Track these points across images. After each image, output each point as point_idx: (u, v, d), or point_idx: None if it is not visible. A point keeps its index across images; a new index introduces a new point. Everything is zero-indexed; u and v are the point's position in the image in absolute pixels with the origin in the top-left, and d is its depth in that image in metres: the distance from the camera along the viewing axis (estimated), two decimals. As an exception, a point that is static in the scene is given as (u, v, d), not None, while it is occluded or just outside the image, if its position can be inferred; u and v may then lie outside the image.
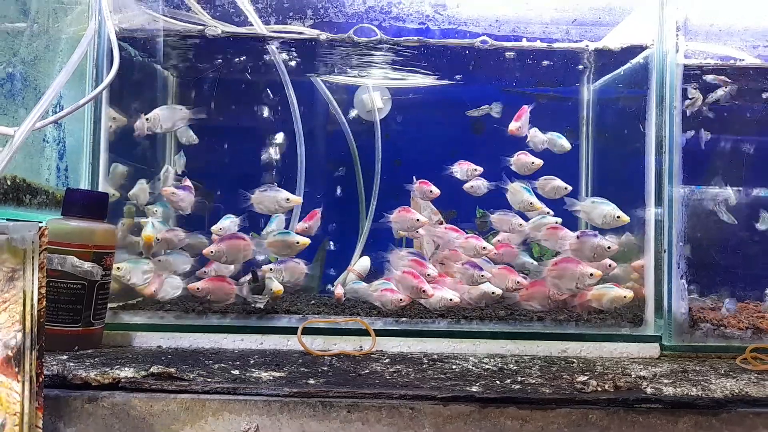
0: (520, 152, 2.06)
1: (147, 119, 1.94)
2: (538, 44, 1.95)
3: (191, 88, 2.32)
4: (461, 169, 2.10)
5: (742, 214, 2.49)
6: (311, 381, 1.35)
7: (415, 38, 2.00)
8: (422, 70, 2.21)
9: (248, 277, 1.94)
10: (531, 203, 1.95)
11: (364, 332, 1.74)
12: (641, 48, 1.97)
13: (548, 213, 1.99)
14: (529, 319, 1.85)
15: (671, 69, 1.86)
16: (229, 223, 1.97)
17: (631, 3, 1.96)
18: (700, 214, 2.46)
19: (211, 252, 1.83)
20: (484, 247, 1.92)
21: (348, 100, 2.43)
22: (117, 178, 1.99)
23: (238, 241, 1.84)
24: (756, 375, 1.59)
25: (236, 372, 1.40)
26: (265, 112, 2.31)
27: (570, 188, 2.01)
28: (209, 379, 1.32)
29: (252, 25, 1.98)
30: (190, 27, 2.02)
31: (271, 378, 1.36)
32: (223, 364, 1.48)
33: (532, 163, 2.03)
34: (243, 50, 2.13)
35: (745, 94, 2.37)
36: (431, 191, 2.05)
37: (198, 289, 1.82)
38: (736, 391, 1.43)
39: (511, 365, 1.62)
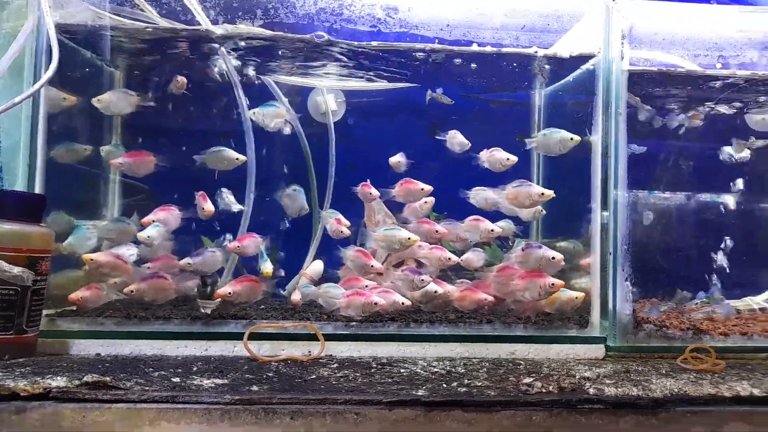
0: (493, 149, 2.06)
1: (98, 100, 1.94)
2: (489, 49, 1.97)
3: (139, 86, 2.25)
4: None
5: (686, 219, 2.57)
6: (254, 388, 1.33)
7: (375, 42, 1.99)
8: (375, 73, 2.20)
9: (197, 281, 1.90)
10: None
11: (313, 337, 1.72)
12: (589, 56, 2.00)
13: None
14: (478, 322, 1.86)
15: (617, 76, 1.90)
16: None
17: (580, 10, 1.99)
18: (645, 218, 2.53)
19: (132, 291, 1.79)
20: (449, 258, 1.93)
21: (302, 101, 2.41)
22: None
23: (161, 281, 1.82)
24: (695, 374, 1.63)
25: (177, 380, 1.36)
26: (214, 113, 2.26)
27: (513, 158, 2.03)
28: (147, 388, 1.27)
29: (200, 24, 1.94)
30: (137, 24, 1.96)
31: (213, 385, 1.33)
32: (163, 372, 1.44)
33: (507, 159, 2.04)
34: (191, 49, 2.08)
35: (689, 101, 2.46)
36: (370, 193, 2.06)
37: (230, 293, 1.82)
38: (676, 390, 1.47)
39: (460, 368, 1.62)
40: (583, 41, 2.05)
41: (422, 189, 2.03)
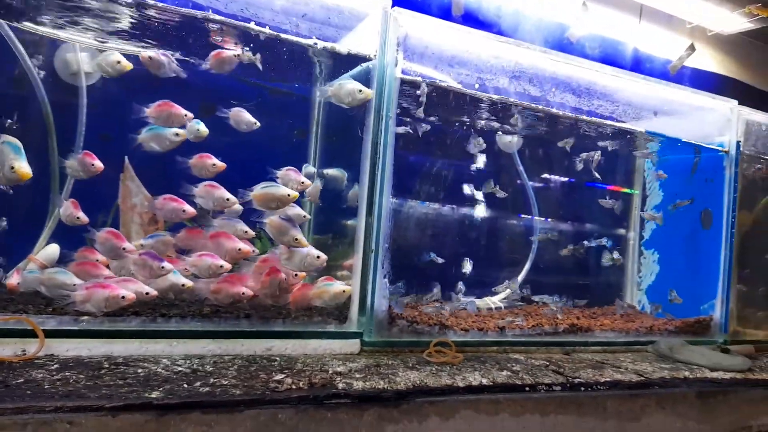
0: (288, 168, 2.00)
1: None
2: (267, 31, 1.87)
3: None
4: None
5: (443, 225, 2.80)
6: (-73, 397, 1.05)
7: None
8: (139, 37, 1.94)
9: None
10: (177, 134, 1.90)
11: (33, 334, 1.44)
12: (367, 57, 2.03)
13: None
14: (235, 317, 1.75)
15: (390, 81, 1.95)
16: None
17: (361, 10, 2.01)
18: (406, 222, 2.70)
19: None
20: (221, 266, 1.79)
21: (48, 56, 2.04)
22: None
23: None
24: (436, 367, 1.75)
25: None
26: None
27: (308, 182, 2.02)
28: None
29: None
30: None
31: None
32: None
33: (302, 182, 2.00)
34: None
35: (449, 117, 2.68)
36: (93, 164, 1.83)
37: None
38: (418, 382, 1.55)
39: (208, 366, 1.50)
40: (362, 42, 2.08)
41: (185, 115, 1.90)
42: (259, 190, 1.87)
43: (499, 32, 3.07)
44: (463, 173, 2.78)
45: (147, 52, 1.85)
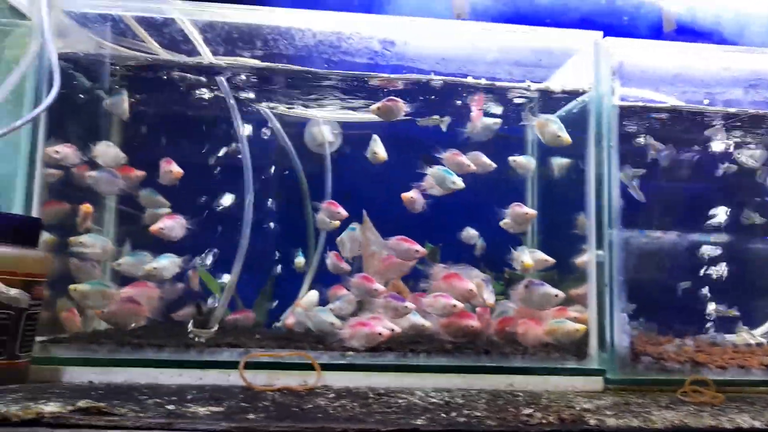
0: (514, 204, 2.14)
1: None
2: (483, 82, 2.01)
3: (136, 118, 2.25)
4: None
5: (679, 256, 2.59)
6: (251, 416, 1.30)
7: (369, 74, 2.03)
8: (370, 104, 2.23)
9: (191, 309, 1.88)
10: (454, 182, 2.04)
11: (309, 367, 1.70)
12: (581, 91, 2.04)
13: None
14: (476, 353, 1.84)
15: (608, 111, 1.94)
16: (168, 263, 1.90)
17: (571, 47, 2.05)
18: (640, 254, 2.55)
19: (103, 312, 1.80)
20: (454, 305, 1.89)
21: (299, 133, 2.42)
22: None
23: (132, 306, 1.82)
24: (695, 407, 1.62)
25: (172, 407, 1.33)
26: (212, 145, 2.27)
27: (533, 212, 2.12)
28: (141, 414, 1.24)
29: (200, 54, 1.97)
30: (137, 55, 1.99)
31: (208, 413, 1.30)
32: (158, 399, 1.41)
33: (527, 213, 2.13)
34: (191, 80, 2.10)
35: (681, 140, 2.51)
36: (338, 212, 2.10)
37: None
38: (677, 422, 1.45)
39: (458, 399, 1.60)
40: (575, 77, 2.10)
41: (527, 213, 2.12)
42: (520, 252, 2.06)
43: (721, 40, 2.83)
44: (699, 197, 2.56)
45: (376, 105, 2.09)
